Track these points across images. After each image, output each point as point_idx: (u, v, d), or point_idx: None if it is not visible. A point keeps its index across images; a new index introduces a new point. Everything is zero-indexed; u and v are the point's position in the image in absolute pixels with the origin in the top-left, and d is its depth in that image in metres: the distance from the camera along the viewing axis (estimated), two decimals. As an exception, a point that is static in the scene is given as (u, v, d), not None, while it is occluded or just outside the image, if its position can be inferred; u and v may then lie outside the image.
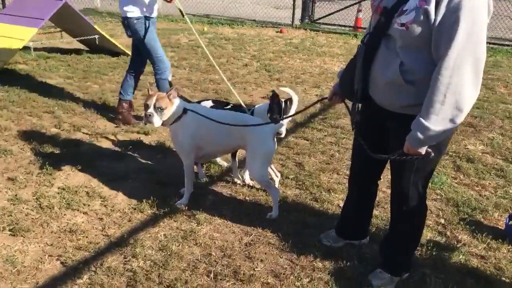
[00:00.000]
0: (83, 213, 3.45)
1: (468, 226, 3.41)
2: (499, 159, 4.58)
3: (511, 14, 11.82)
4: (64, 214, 3.41)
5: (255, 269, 2.89)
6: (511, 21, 11.82)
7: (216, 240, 3.18)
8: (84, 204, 3.55)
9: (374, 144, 2.55)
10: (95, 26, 7.71)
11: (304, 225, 3.36)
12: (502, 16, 11.53)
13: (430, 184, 3.38)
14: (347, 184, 3.21)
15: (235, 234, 3.27)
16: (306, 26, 12.15)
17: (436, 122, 2.10)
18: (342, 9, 12.10)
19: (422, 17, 2.07)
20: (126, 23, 4.86)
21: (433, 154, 2.24)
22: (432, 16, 2.05)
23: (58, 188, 3.77)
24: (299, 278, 2.82)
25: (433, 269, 2.94)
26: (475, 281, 2.85)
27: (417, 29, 2.10)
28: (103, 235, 3.20)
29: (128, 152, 4.52)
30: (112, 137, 4.84)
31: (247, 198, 3.73)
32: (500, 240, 3.24)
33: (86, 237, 3.17)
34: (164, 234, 3.22)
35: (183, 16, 5.05)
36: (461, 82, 2.03)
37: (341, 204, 3.49)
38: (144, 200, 3.58)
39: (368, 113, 2.58)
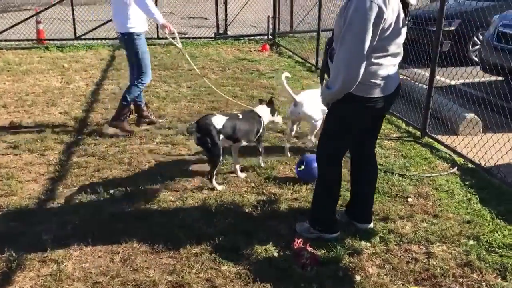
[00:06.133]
0: None
1: (273, 182, 4.32)
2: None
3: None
4: None
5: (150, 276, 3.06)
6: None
7: (91, 270, 3.12)
8: None
9: None
10: None
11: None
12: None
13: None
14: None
15: (103, 257, 3.25)
16: (-17, 45, 10.95)
17: None
18: (18, 23, 11.41)
19: None
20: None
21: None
22: None
23: None
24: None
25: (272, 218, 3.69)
26: (304, 217, 3.72)
27: None
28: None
29: None
30: None
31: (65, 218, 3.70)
32: (298, 184, 4.26)
33: None
34: (31, 286, 2.95)
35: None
36: None
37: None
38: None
39: None
